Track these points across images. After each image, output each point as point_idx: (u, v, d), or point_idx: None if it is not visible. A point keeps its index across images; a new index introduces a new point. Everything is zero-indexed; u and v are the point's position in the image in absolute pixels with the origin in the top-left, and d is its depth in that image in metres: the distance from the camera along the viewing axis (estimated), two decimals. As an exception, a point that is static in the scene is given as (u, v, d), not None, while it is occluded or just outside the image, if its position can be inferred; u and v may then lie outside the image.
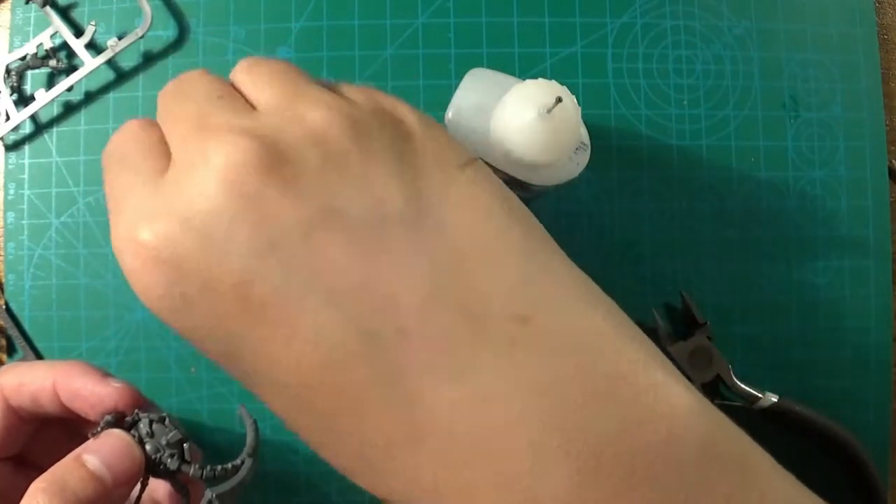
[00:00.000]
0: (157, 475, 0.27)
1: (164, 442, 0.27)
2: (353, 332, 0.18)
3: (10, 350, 0.42)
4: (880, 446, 0.42)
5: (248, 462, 0.27)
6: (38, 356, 0.41)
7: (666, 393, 0.19)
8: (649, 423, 0.18)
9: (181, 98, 0.22)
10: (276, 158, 0.19)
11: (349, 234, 0.19)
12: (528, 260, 0.21)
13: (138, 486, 0.27)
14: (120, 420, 0.27)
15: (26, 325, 0.42)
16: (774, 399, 0.40)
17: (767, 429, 0.42)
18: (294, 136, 0.20)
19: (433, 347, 0.18)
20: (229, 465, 0.27)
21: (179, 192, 0.20)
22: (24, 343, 0.41)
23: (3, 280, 0.42)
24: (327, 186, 0.20)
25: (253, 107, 0.22)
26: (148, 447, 0.27)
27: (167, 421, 0.27)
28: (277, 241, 0.19)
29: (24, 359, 0.41)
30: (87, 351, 0.41)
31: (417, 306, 0.19)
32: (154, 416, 0.27)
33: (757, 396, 0.40)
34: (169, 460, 0.27)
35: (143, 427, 0.27)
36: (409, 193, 0.20)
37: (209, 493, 0.26)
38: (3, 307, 0.42)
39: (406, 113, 0.23)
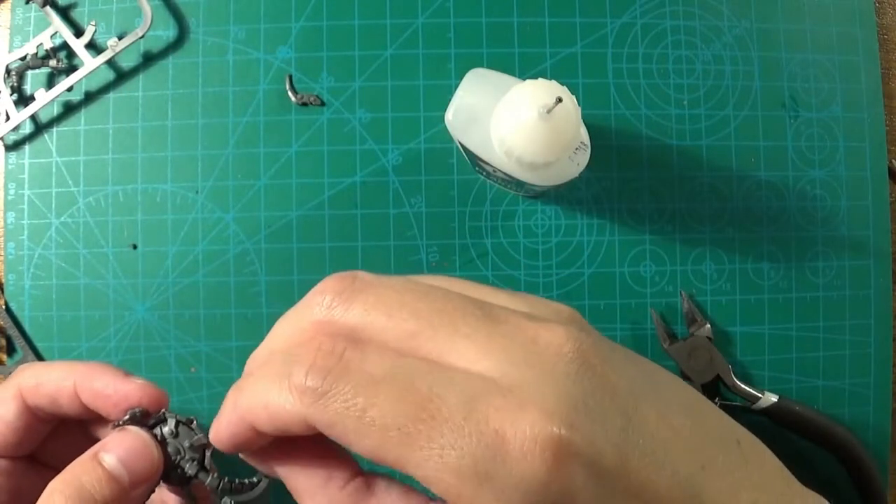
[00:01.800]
0: (172, 481, 0.27)
1: (187, 444, 0.26)
2: None
3: (10, 350, 0.42)
4: (880, 446, 0.42)
5: (265, 483, 0.27)
6: (38, 356, 0.41)
7: None
8: None
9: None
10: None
11: None
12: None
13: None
14: (145, 416, 0.27)
15: (26, 325, 0.42)
16: (774, 399, 0.40)
17: (767, 429, 0.42)
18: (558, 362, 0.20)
19: None
20: (246, 481, 0.26)
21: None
22: (24, 343, 0.41)
23: (3, 280, 0.42)
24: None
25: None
26: (169, 448, 0.26)
27: (195, 424, 0.27)
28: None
29: (24, 359, 0.41)
30: (87, 351, 0.41)
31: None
32: (182, 417, 0.27)
33: (757, 396, 0.40)
34: (188, 465, 0.26)
35: (170, 426, 0.27)
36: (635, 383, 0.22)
37: (228, 501, 0.26)
38: (3, 307, 0.42)
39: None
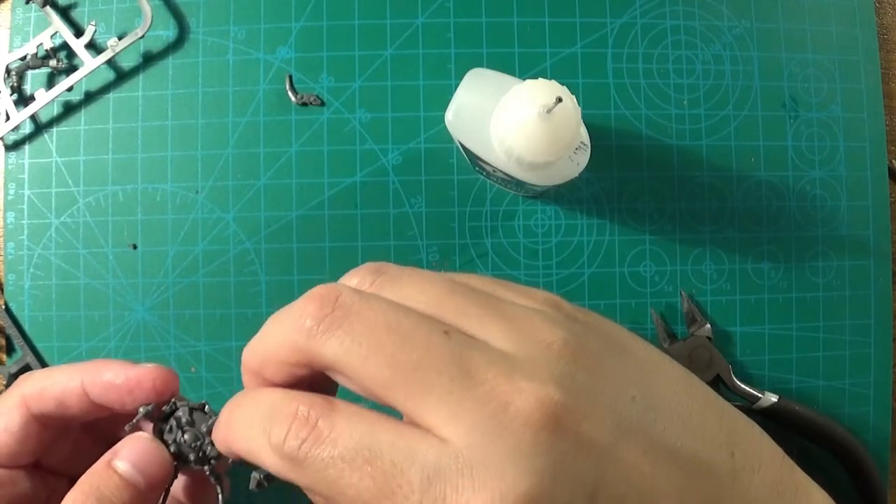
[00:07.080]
0: (196, 463, 0.27)
1: (204, 429, 0.27)
2: None
3: (10, 350, 0.42)
4: (880, 446, 0.42)
5: None
6: (38, 356, 0.41)
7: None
8: None
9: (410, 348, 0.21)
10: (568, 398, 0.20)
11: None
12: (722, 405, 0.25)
13: None
14: (157, 410, 0.27)
15: (26, 325, 0.42)
16: (774, 399, 0.40)
17: (767, 429, 0.42)
18: (557, 364, 0.21)
19: None
20: None
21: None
22: (23, 343, 0.41)
23: (3, 280, 0.42)
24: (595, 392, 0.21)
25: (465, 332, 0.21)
26: (187, 436, 0.27)
27: (207, 408, 0.27)
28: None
29: (23, 358, 0.41)
30: (87, 351, 0.41)
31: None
32: (194, 403, 0.27)
33: (757, 396, 0.40)
34: (209, 448, 0.27)
35: (183, 416, 0.27)
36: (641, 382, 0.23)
37: (258, 475, 0.26)
38: (3, 307, 0.42)
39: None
